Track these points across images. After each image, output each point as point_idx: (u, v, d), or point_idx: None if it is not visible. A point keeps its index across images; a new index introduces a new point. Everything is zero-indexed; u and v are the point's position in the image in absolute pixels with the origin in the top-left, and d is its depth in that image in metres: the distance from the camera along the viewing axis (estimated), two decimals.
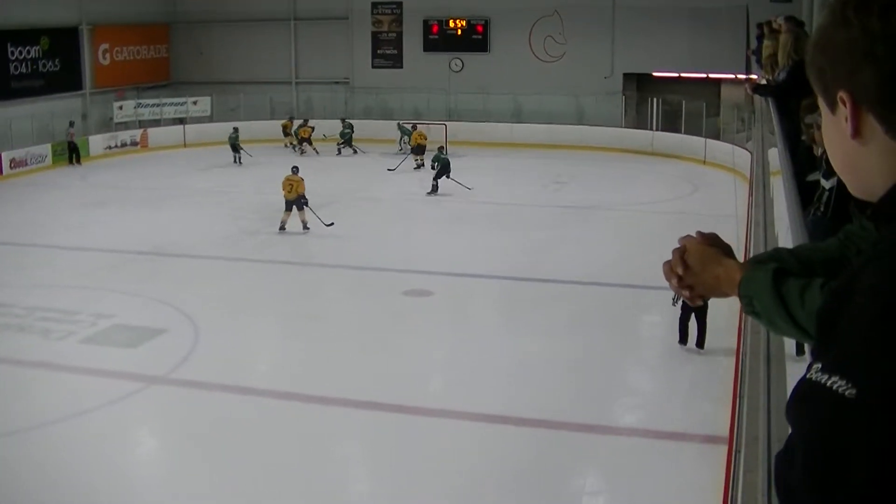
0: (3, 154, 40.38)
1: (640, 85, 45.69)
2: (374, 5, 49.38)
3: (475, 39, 47.75)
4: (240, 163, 41.64)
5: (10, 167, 40.28)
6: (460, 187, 33.22)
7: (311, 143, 44.21)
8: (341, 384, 17.07)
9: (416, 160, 39.57)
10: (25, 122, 42.37)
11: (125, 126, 47.08)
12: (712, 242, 2.57)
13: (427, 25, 48.51)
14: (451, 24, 48.04)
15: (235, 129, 42.91)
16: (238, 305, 22.20)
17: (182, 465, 14.58)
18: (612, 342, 19.24)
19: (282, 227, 28.35)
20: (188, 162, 41.38)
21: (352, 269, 24.94)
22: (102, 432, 15.67)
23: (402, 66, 49.29)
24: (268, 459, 14.37)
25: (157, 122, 47.51)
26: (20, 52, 44.21)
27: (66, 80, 47.02)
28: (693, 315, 18.37)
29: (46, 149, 42.27)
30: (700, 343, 18.43)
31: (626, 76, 45.37)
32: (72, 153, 43.29)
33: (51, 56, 45.98)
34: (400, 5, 48.99)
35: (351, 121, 45.61)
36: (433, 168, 34.09)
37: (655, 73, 45.11)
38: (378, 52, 49.85)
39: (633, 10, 43.98)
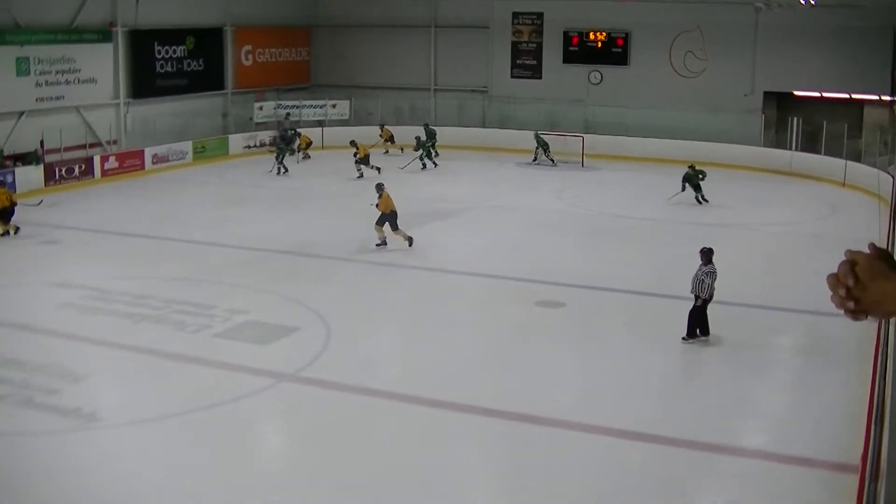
0: (146, 149, 41.33)
1: (780, 104, 44.88)
2: (514, 15, 49.34)
3: (615, 52, 47.41)
4: (285, 171, 40.85)
5: (153, 162, 41.19)
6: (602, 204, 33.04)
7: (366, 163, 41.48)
8: (467, 391, 17.10)
9: (359, 170, 39.33)
10: (168, 120, 43.33)
11: (265, 126, 47.83)
12: (883, 257, 2.50)
13: (567, 37, 48.31)
14: (592, 36, 47.77)
15: (283, 133, 42.65)
16: (370, 308, 22.34)
17: (305, 463, 14.73)
18: (741, 362, 18.95)
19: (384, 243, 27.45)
20: (325, 164, 41.77)
21: (484, 276, 24.92)
22: (230, 426, 15.94)
23: (540, 77, 49.15)
24: (390, 462, 14.48)
25: (296, 124, 48.05)
26: (166, 52, 45.20)
27: (209, 79, 47.96)
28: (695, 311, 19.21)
29: (187, 146, 43.16)
30: (698, 333, 19.42)
31: (767, 94, 44.60)
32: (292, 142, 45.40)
33: (195, 56, 46.93)
34: (541, 16, 48.90)
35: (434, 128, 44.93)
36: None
37: (796, 93, 44.32)
38: (517, 61, 49.78)
39: (776, 28, 43.35)
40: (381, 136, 45.44)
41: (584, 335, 20.57)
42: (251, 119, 48.11)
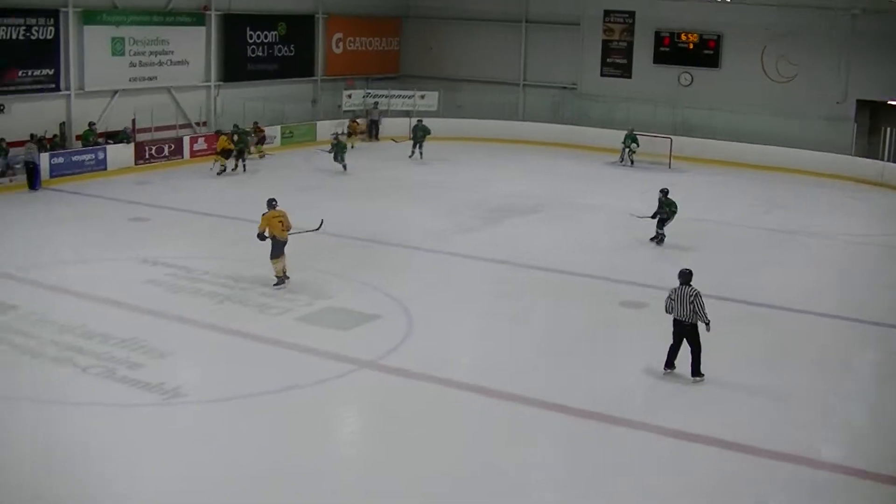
0: None
1: (873, 112, 44.11)
2: (606, 13, 49.02)
3: (706, 54, 46.89)
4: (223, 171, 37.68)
5: None
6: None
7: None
8: (546, 386, 17.04)
9: (222, 165, 37.46)
10: (257, 104, 43.64)
11: (352, 114, 48.03)
12: None
13: (659, 37, 47.93)
14: (683, 37, 47.28)
15: (237, 127, 40.47)
16: (451, 299, 22.36)
17: (380, 449, 14.79)
18: (816, 373, 18.70)
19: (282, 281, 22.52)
20: (407, 153, 41.83)
21: (567, 274, 24.81)
22: (308, 409, 16.07)
23: (630, 76, 48.79)
24: (463, 453, 14.49)
25: (384, 113, 48.27)
26: (258, 37, 45.69)
27: (299, 65, 48.43)
28: (686, 341, 17.63)
29: (276, 130, 43.50)
30: (695, 371, 17.71)
31: (860, 103, 43.88)
32: (371, 129, 46.25)
33: (286, 42, 47.39)
34: (632, 15, 48.56)
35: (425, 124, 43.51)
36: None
37: (891, 102, 43.58)
38: (607, 60, 49.43)
39: (871, 35, 42.54)
40: (348, 129, 44.32)
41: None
42: (339, 106, 48.37)
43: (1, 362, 17.47)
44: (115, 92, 39.19)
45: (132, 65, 39.82)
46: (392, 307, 21.08)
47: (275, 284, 22.25)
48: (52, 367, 17.29)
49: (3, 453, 14.25)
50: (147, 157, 37.19)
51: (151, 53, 40.48)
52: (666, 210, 28.13)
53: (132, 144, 37.84)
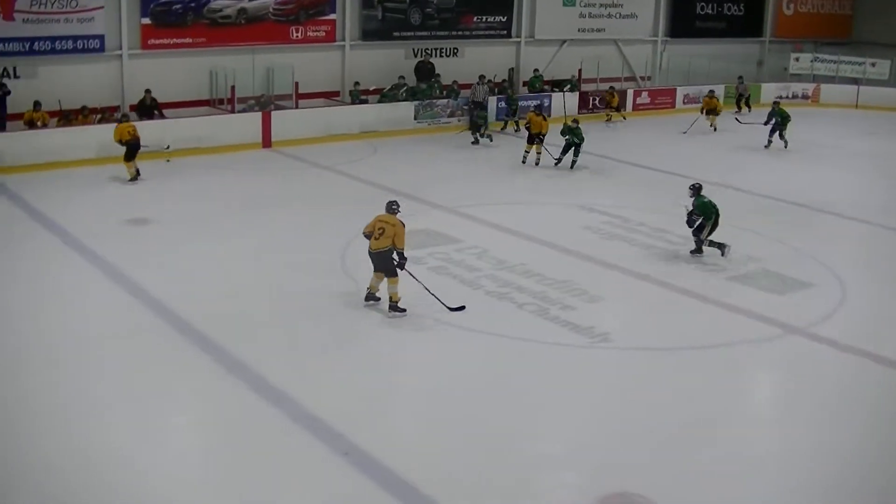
0: (678, 89, 41.87)
1: None
2: None
3: None
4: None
5: (683, 102, 41.74)
6: None
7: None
8: None
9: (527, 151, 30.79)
10: (703, 61, 43.56)
11: (798, 78, 47.08)
12: None
13: None
14: None
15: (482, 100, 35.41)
16: (887, 274, 21.55)
17: (794, 416, 14.43)
18: None
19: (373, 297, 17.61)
20: (856, 124, 40.58)
21: None
22: (731, 367, 15.96)
23: None
24: (872, 428, 13.96)
25: (831, 79, 46.99)
26: None
27: (748, 25, 48.02)
28: None
29: (719, 89, 43.14)
30: None
31: None
32: (739, 101, 43.77)
33: (736, 0, 46.92)
34: None
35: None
36: None
37: None
38: None
39: None
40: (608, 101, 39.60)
41: None
42: (786, 69, 47.52)
43: (444, 291, 18.40)
44: (563, 41, 40.22)
45: (581, 16, 40.83)
46: (826, 276, 20.57)
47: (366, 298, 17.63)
48: (491, 300, 18.14)
49: (438, 375, 15.11)
50: (591, 106, 37.90)
51: (601, 6, 41.32)
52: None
53: (576, 93, 38.69)
